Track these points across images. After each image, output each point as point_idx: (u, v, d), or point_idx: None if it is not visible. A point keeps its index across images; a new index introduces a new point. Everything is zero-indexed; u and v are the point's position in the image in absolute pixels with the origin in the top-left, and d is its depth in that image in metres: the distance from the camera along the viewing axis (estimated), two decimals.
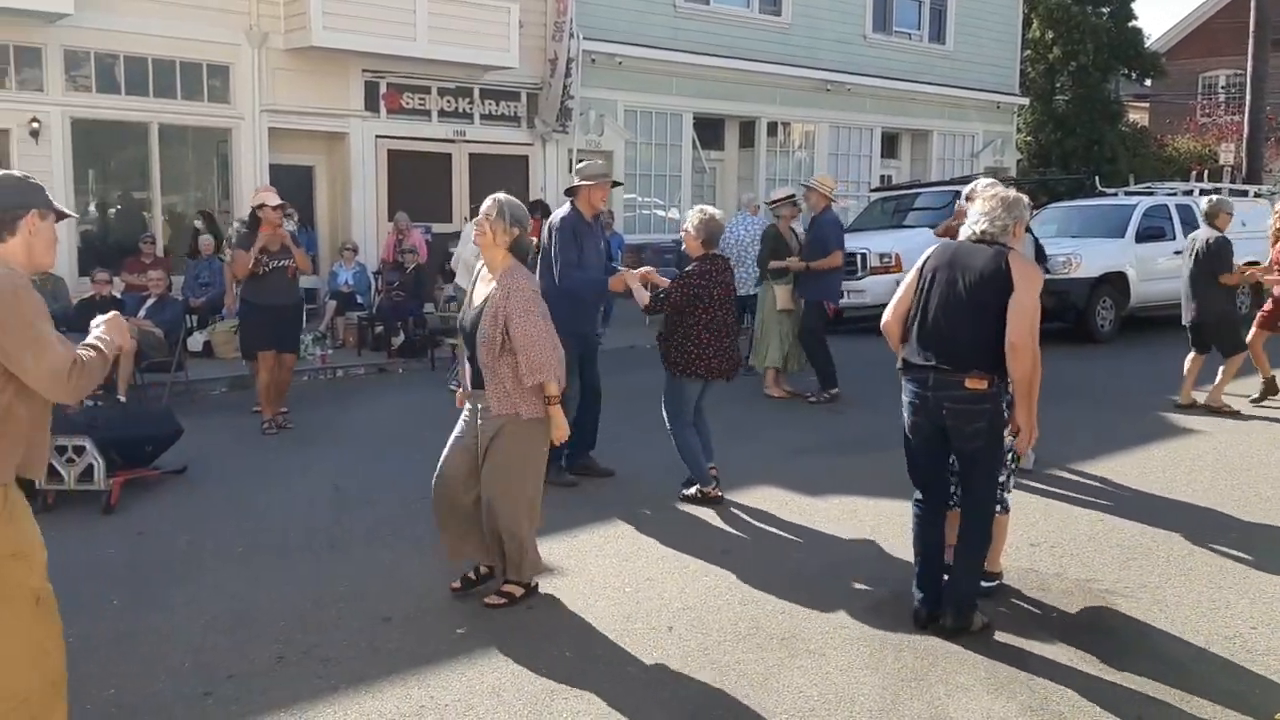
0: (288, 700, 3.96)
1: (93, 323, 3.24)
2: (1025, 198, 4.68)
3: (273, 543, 5.82)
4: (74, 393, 3.06)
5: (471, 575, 5.01)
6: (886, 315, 4.65)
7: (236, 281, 8.90)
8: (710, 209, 6.58)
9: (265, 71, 13.55)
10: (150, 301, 10.12)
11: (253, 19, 13.38)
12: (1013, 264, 4.36)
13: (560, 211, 6.92)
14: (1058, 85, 26.60)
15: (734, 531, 6.01)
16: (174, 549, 5.73)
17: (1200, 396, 9.10)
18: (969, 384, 4.33)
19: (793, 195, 10.20)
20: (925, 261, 4.60)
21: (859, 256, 13.99)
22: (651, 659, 4.32)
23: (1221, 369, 8.97)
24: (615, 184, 7.07)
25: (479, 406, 4.85)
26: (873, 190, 19.19)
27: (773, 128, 19.44)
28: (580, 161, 7.26)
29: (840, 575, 5.24)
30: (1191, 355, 9.18)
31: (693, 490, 6.53)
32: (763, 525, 6.13)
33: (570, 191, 6.93)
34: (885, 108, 20.80)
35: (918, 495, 4.67)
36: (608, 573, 5.31)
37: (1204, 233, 9.02)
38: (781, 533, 6.00)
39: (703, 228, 6.42)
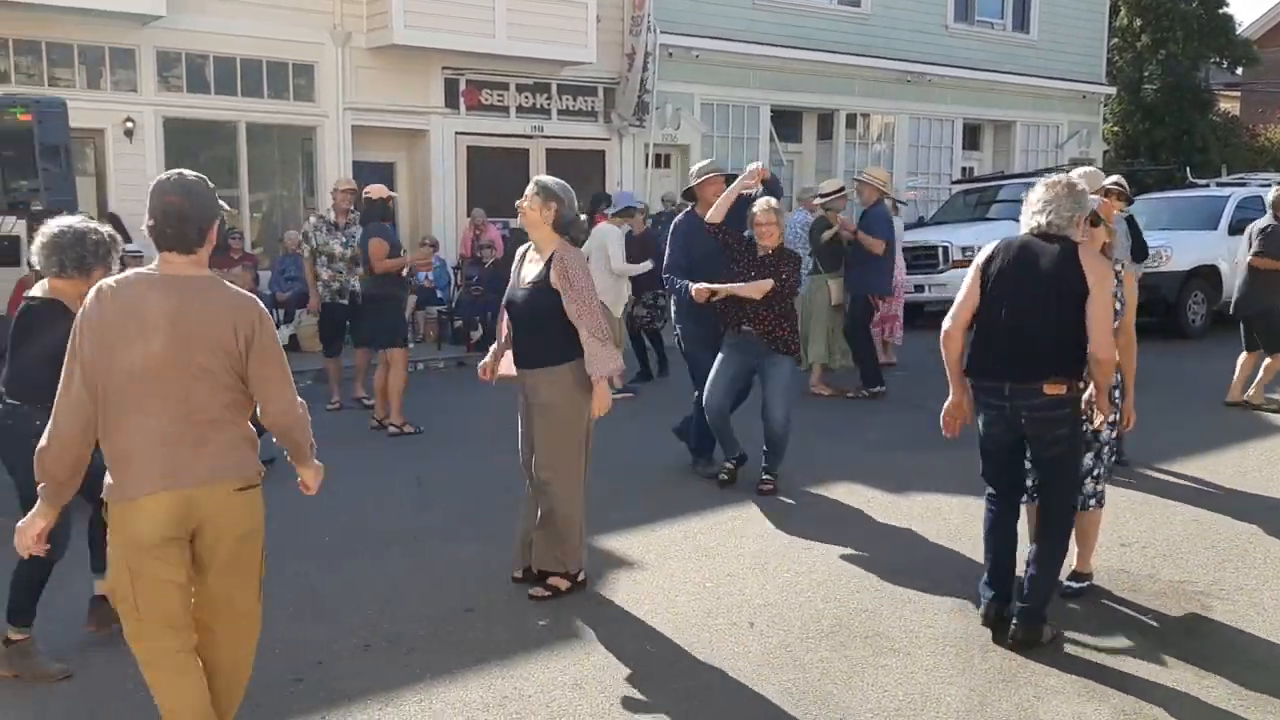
0: (374, 687, 4.03)
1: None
2: (1087, 187, 4.38)
3: (357, 533, 5.92)
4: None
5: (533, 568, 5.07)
6: (947, 323, 4.37)
7: (371, 273, 8.62)
8: (773, 200, 6.59)
9: (349, 70, 13.78)
10: None
11: (336, 18, 13.61)
12: (1084, 261, 4.11)
13: (678, 215, 7.11)
14: (1146, 74, 25.82)
15: (815, 528, 5.94)
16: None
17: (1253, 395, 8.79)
18: (1048, 390, 4.13)
19: (843, 188, 10.06)
20: (987, 261, 4.30)
21: (941, 249, 13.78)
22: (733, 655, 4.30)
23: (1264, 366, 8.63)
24: (729, 177, 6.82)
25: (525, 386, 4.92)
26: (954, 183, 18.87)
27: (851, 119, 19.19)
28: (695, 163, 7.23)
29: (924, 573, 5.17)
30: (1244, 354, 8.86)
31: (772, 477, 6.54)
32: (843, 522, 6.06)
33: (688, 195, 7.02)
34: (967, 99, 20.41)
35: (991, 491, 4.52)
36: (688, 568, 5.30)
37: (1262, 221, 8.72)
38: (863, 530, 5.93)
39: (782, 215, 6.44)
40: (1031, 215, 4.27)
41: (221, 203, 3.26)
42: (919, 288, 13.18)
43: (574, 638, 4.46)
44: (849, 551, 5.53)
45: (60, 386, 3.07)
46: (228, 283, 3.25)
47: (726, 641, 4.43)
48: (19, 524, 3.18)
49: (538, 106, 15.54)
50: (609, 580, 5.12)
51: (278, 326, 11.38)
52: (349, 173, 13.63)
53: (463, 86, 14.82)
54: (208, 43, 12.77)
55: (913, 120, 19.94)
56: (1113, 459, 4.89)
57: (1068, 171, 5.10)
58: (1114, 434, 4.77)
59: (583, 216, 5.09)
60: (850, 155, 19.03)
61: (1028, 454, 4.43)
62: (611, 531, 5.80)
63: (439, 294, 13.60)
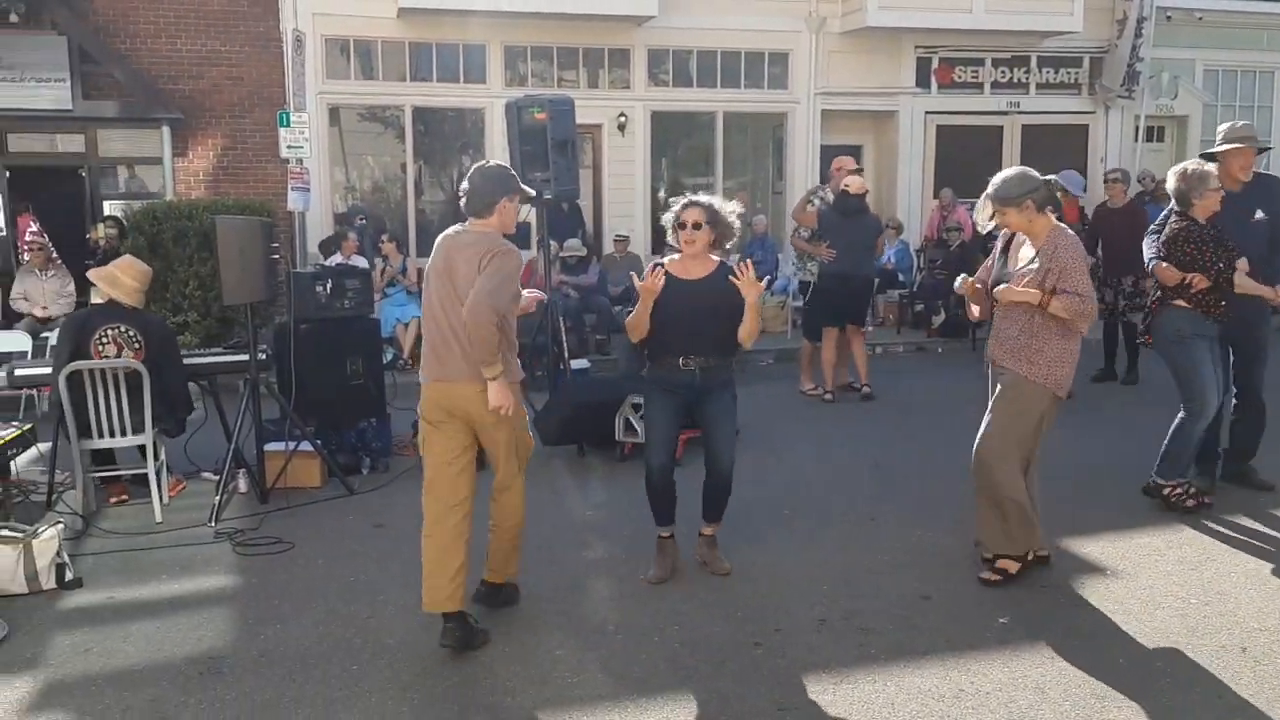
0: (829, 661, 4.12)
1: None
2: None
3: (816, 508, 6.07)
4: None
5: None
6: None
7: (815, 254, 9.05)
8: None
9: (821, 56, 14.03)
10: None
11: (812, 5, 13.90)
12: None
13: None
14: None
15: None
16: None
17: None
18: None
19: None
20: None
21: None
22: (1220, 681, 3.89)
23: None
24: (1264, 148, 6.07)
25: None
26: None
27: None
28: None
29: None
30: None
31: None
32: None
33: (1208, 157, 6.09)
34: None
35: None
36: (1170, 580, 4.86)
37: None
38: None
39: None
40: None
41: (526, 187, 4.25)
42: None
43: (1037, 639, 4.26)
44: None
45: None
46: None
47: (1214, 665, 4.01)
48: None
49: (1014, 81, 14.86)
50: (1079, 585, 4.82)
51: None
52: (817, 156, 13.96)
53: (935, 65, 14.54)
54: (693, 38, 13.59)
55: None
56: None
57: None
58: None
59: None
60: None
61: None
62: (1083, 534, 5.47)
63: (900, 277, 13.46)
